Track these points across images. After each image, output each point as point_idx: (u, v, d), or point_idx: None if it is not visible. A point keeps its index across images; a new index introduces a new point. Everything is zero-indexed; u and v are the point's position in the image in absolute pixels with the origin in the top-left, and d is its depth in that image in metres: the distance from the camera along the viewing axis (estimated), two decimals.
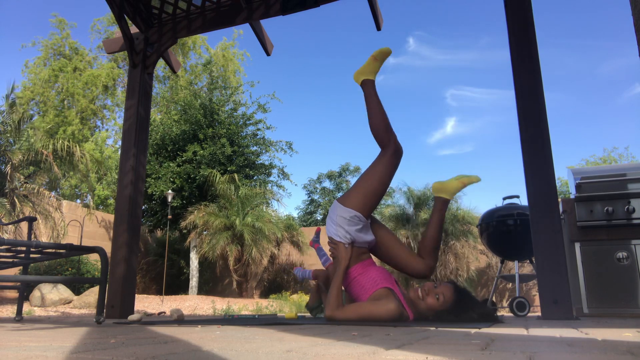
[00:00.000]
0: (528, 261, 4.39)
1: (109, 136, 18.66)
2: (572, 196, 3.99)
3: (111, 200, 16.38)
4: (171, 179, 11.02)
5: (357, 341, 1.20)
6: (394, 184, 12.21)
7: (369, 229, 2.59)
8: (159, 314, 4.68)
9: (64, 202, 10.32)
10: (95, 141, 17.69)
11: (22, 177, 8.71)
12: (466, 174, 2.75)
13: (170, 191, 10.23)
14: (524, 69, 3.07)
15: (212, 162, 11.26)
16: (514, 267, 4.25)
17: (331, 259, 2.65)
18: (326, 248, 3.21)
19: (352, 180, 19.13)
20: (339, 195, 18.46)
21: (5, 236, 7.52)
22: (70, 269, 8.15)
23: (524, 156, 2.97)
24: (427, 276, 2.57)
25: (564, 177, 19.92)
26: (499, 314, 3.92)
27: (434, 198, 2.74)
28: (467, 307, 2.27)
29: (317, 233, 3.60)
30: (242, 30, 19.77)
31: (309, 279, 3.43)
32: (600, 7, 30.17)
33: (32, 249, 2.65)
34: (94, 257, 9.23)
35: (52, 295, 7.06)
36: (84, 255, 8.61)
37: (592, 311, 3.60)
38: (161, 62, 15.09)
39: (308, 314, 4.48)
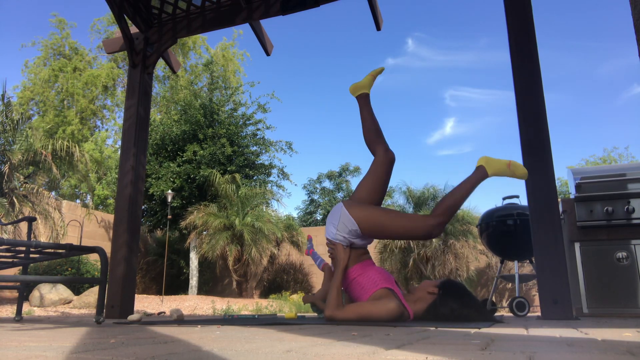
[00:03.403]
0: (528, 261, 4.39)
1: (109, 136, 18.68)
2: (572, 196, 3.99)
3: (111, 200, 16.38)
4: (171, 179, 11.02)
5: (357, 341, 1.20)
6: (393, 183, 12.22)
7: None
8: (159, 314, 4.68)
9: (64, 202, 10.32)
10: (95, 141, 17.69)
11: (21, 177, 8.71)
12: (521, 164, 2.57)
13: (170, 191, 10.23)
14: (524, 69, 3.07)
15: (212, 162, 11.26)
16: (514, 267, 4.25)
17: (330, 259, 2.66)
18: (320, 251, 3.23)
19: (352, 180, 19.13)
20: (339, 195, 18.52)
21: (5, 236, 7.52)
22: (70, 269, 8.14)
23: (523, 156, 2.97)
24: (436, 232, 2.43)
25: (563, 177, 19.93)
26: (498, 313, 3.91)
27: (476, 167, 2.59)
28: (459, 295, 2.34)
29: (310, 240, 3.65)
30: (242, 30, 19.80)
31: (317, 264, 3.45)
32: (600, 8, 30.20)
33: (31, 249, 2.65)
34: (94, 257, 9.22)
35: (52, 295, 7.06)
36: (84, 255, 8.61)
37: (592, 311, 3.60)
38: (161, 62, 15.08)
39: (308, 314, 4.48)
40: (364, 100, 2.87)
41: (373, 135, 2.75)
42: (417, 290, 2.43)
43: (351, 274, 2.50)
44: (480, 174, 2.54)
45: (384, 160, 2.65)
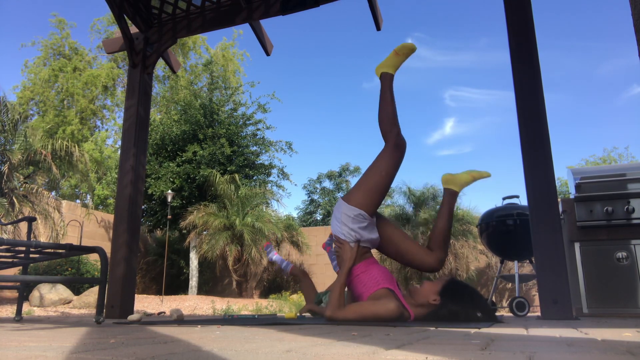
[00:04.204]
0: (528, 261, 4.39)
1: (109, 136, 18.67)
2: (571, 196, 3.99)
3: (111, 200, 16.38)
4: (171, 179, 11.02)
5: (357, 341, 1.20)
6: (393, 184, 12.20)
7: (374, 226, 2.59)
8: (159, 314, 4.68)
9: (64, 202, 10.32)
10: (95, 141, 17.69)
11: (21, 177, 8.71)
12: (477, 169, 2.83)
13: (170, 191, 10.23)
14: (524, 69, 3.07)
15: (212, 162, 11.26)
16: (514, 267, 4.25)
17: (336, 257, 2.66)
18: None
19: (352, 180, 19.14)
20: (340, 195, 18.52)
21: (5, 236, 7.52)
22: (70, 269, 8.14)
23: (523, 156, 2.97)
24: (438, 269, 2.58)
25: (563, 177, 19.93)
26: (498, 313, 3.90)
27: (443, 190, 2.78)
28: (461, 295, 2.32)
29: (331, 236, 3.63)
30: (242, 30, 19.80)
31: (282, 268, 3.45)
32: (600, 8, 30.21)
33: (31, 249, 2.65)
34: (94, 257, 9.22)
35: (52, 295, 7.06)
36: (84, 255, 8.60)
37: (592, 311, 3.60)
38: (161, 62, 15.08)
39: (308, 314, 4.47)
40: (384, 81, 2.71)
41: (386, 118, 2.63)
42: (417, 294, 2.39)
43: (354, 271, 2.50)
44: (450, 194, 2.75)
45: (396, 144, 2.54)
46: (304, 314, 3.27)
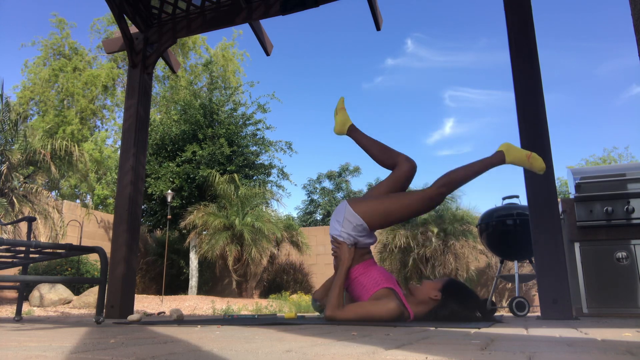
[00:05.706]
0: (528, 261, 4.39)
1: (109, 136, 18.66)
2: (571, 196, 3.99)
3: (111, 200, 16.38)
4: (171, 179, 11.02)
5: (357, 341, 1.20)
6: None
7: (372, 232, 2.59)
8: (159, 314, 4.68)
9: (64, 202, 10.32)
10: (95, 141, 17.68)
11: (21, 177, 8.71)
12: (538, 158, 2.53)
13: (169, 191, 10.23)
14: (524, 69, 3.07)
15: (212, 162, 11.25)
16: (514, 267, 4.25)
17: (333, 257, 2.66)
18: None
19: (352, 180, 19.13)
20: (339, 195, 18.51)
21: (5, 236, 7.52)
22: (69, 269, 8.14)
23: None
24: (437, 202, 2.46)
25: (563, 177, 19.93)
26: (498, 313, 3.91)
27: (497, 151, 2.57)
28: (461, 294, 2.34)
29: None
30: (242, 30, 19.79)
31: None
32: (599, 8, 30.22)
33: (31, 249, 2.65)
34: (94, 257, 9.22)
35: (52, 295, 7.05)
36: (84, 256, 8.60)
37: (592, 311, 3.60)
38: (161, 62, 15.08)
39: (308, 314, 4.48)
40: (353, 132, 2.92)
41: (385, 153, 2.73)
42: (418, 292, 2.41)
43: (353, 273, 2.50)
44: (497, 159, 2.54)
45: (407, 169, 2.61)
46: (307, 304, 3.22)
